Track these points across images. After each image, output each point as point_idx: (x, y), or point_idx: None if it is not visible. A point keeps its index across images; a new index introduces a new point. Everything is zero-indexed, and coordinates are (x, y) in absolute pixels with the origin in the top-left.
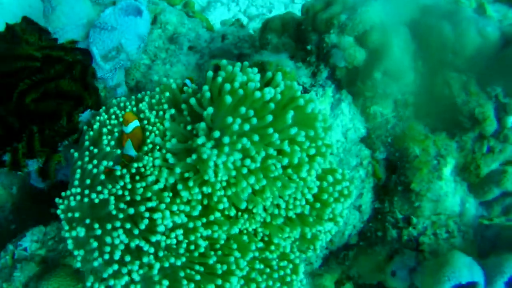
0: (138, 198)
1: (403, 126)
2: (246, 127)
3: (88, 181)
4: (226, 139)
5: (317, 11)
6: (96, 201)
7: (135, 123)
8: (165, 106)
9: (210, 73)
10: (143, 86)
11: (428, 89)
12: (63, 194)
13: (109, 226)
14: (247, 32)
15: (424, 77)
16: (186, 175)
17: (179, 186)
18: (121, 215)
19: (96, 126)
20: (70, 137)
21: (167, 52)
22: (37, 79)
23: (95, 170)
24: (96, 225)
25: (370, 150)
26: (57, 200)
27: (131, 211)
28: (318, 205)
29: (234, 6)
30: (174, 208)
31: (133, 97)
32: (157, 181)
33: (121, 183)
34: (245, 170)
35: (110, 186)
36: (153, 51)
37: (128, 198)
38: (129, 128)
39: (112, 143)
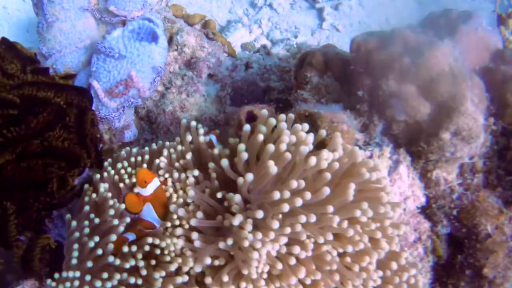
0: None
1: (472, 196)
2: (299, 202)
3: (89, 264)
4: (275, 224)
5: (371, 49)
6: None
7: (155, 183)
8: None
9: (247, 127)
10: (154, 117)
11: (502, 153)
12: (56, 276)
13: None
14: (274, 62)
15: (498, 137)
16: (217, 262)
17: (208, 280)
18: None
19: (101, 189)
20: (62, 207)
21: (183, 79)
22: (11, 134)
23: (99, 251)
24: None
25: (430, 223)
26: (48, 283)
27: None
28: None
29: (256, 28)
30: None
31: (147, 148)
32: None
33: (132, 263)
34: (293, 261)
35: (119, 277)
36: (168, 76)
37: None
38: (148, 190)
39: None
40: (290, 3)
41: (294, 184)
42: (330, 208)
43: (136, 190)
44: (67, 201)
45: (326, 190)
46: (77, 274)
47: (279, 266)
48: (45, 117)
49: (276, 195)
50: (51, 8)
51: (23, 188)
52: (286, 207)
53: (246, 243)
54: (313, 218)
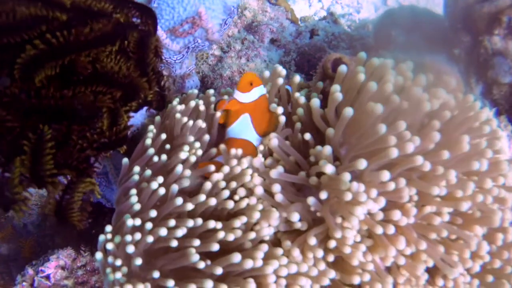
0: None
1: None
2: (410, 148)
3: (153, 213)
4: (385, 175)
5: (472, 1)
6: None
7: (261, 90)
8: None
9: (343, 68)
10: (210, 82)
11: None
12: (108, 229)
13: None
14: (342, 29)
15: None
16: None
17: (287, 243)
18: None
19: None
20: (113, 149)
21: (243, 43)
22: (56, 41)
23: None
24: None
25: None
26: (101, 238)
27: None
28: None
29: (316, 2)
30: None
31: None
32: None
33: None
34: (392, 230)
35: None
36: (226, 40)
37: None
38: (251, 96)
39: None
40: None
41: (402, 124)
42: (445, 154)
43: (235, 95)
44: (118, 142)
45: (436, 136)
46: (137, 222)
47: (379, 230)
48: (100, 27)
49: (382, 128)
50: None
51: (65, 118)
52: (395, 152)
53: (348, 196)
54: (427, 167)
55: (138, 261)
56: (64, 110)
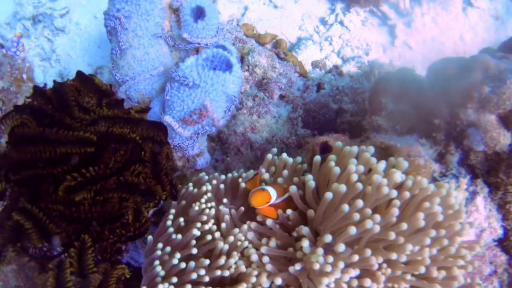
0: None
1: None
2: (369, 224)
3: (174, 279)
4: (341, 247)
5: (449, 77)
6: None
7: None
8: None
9: (318, 158)
10: (225, 138)
11: None
12: None
13: None
14: (346, 83)
15: None
16: None
17: None
18: None
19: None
20: (137, 239)
21: (254, 100)
22: (90, 174)
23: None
24: None
25: (507, 256)
26: None
27: None
28: None
29: (327, 45)
30: None
31: (230, 175)
32: None
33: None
34: None
35: None
36: (239, 97)
37: None
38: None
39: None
40: (361, 20)
41: (368, 211)
42: (404, 226)
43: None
44: (142, 233)
45: (395, 211)
46: (168, 286)
47: None
48: (122, 155)
49: (345, 208)
50: (124, 35)
51: (99, 221)
52: (353, 230)
53: (316, 266)
54: (391, 236)
55: None
56: (98, 214)
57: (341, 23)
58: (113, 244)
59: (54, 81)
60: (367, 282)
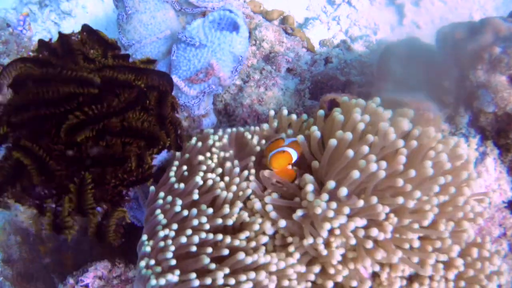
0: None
1: None
2: (373, 167)
3: (175, 226)
4: (343, 191)
5: (459, 39)
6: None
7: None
8: None
9: (321, 112)
10: (232, 110)
11: None
12: (144, 238)
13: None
14: (355, 57)
15: None
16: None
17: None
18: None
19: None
20: (140, 184)
21: (261, 73)
22: (92, 112)
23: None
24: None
25: None
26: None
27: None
28: (463, 283)
29: (334, 25)
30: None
31: (235, 129)
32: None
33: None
34: (370, 245)
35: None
36: (246, 70)
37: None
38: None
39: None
40: None
41: (372, 158)
42: (412, 173)
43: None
44: (144, 178)
45: (402, 159)
46: (168, 232)
47: (352, 241)
48: (126, 97)
49: (350, 153)
50: (131, 0)
51: (101, 163)
52: (356, 174)
53: (318, 211)
54: (399, 183)
55: (173, 262)
56: (100, 156)
57: (349, 2)
58: (114, 187)
59: (59, 33)
60: (374, 231)
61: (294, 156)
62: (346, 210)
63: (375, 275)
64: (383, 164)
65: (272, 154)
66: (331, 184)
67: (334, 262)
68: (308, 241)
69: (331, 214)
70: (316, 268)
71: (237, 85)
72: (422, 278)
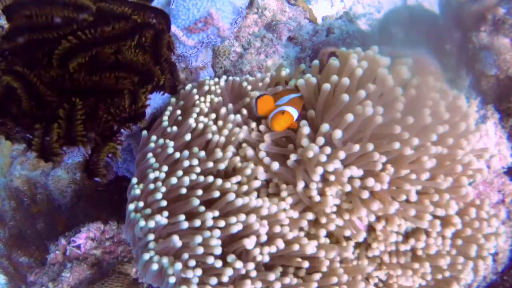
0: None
1: None
2: (369, 110)
3: (165, 168)
4: (338, 134)
5: (462, 1)
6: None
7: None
8: None
9: (316, 62)
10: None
11: None
12: (134, 181)
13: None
14: (357, 28)
15: None
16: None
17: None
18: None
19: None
20: (133, 124)
21: (262, 40)
22: (85, 37)
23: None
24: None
25: None
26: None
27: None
28: (460, 242)
29: (338, 2)
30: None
31: (231, 78)
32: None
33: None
34: (366, 195)
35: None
36: (247, 38)
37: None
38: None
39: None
40: None
41: (362, 93)
42: (410, 120)
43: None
44: (138, 115)
45: (400, 106)
46: (159, 174)
47: (347, 188)
48: (120, 27)
49: (345, 97)
50: None
51: (93, 95)
52: (350, 117)
53: (310, 154)
54: (397, 130)
55: (163, 203)
56: (92, 90)
57: None
58: (106, 122)
59: None
60: (370, 181)
61: (295, 115)
62: (341, 154)
63: (370, 230)
64: (380, 109)
65: (273, 115)
66: (325, 127)
67: (328, 210)
68: (300, 185)
69: (323, 158)
70: (309, 215)
71: (237, 52)
72: (418, 234)
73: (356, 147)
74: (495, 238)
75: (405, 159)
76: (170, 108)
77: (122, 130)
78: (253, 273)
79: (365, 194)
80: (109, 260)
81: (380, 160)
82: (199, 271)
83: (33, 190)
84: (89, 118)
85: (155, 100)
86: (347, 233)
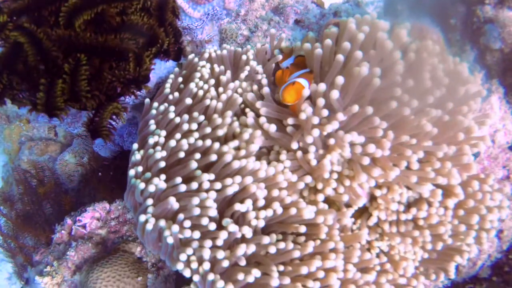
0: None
1: None
2: (364, 71)
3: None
4: (335, 94)
5: None
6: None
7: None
8: None
9: (311, 34)
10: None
11: None
12: (135, 146)
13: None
14: (364, 11)
15: None
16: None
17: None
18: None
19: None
20: (137, 87)
21: (269, 23)
22: None
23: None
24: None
25: None
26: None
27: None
28: (462, 212)
29: None
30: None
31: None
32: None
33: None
34: (367, 161)
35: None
36: (254, 21)
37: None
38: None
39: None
40: None
41: (358, 54)
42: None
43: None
44: (142, 78)
45: (399, 69)
46: (158, 138)
47: (347, 151)
48: None
49: (340, 57)
50: None
51: (98, 56)
52: (340, 79)
53: (303, 116)
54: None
55: (162, 164)
56: (98, 49)
57: None
58: (110, 83)
59: None
60: (371, 147)
61: (306, 85)
62: (339, 116)
63: (372, 200)
64: (377, 70)
65: (284, 87)
66: (322, 86)
67: (326, 175)
68: (294, 145)
69: (316, 120)
70: (308, 178)
71: (244, 35)
72: (420, 204)
73: (355, 108)
74: (498, 211)
75: (405, 124)
76: (172, 76)
77: (126, 96)
78: (249, 237)
79: (366, 161)
80: (114, 240)
81: (381, 126)
82: (197, 233)
83: (41, 173)
84: (93, 78)
85: (160, 69)
86: (346, 199)
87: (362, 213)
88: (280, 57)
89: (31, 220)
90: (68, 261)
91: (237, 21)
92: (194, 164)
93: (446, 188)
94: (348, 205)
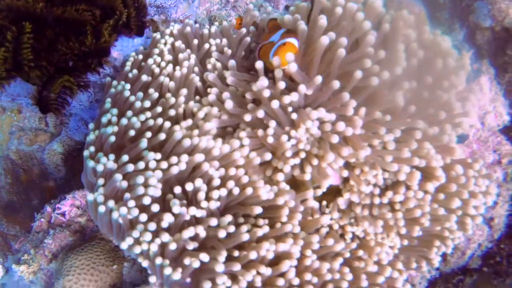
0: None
1: None
2: (342, 53)
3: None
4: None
5: None
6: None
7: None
8: None
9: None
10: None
11: None
12: (91, 126)
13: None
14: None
15: None
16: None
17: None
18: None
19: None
20: (97, 61)
21: (259, 10)
22: None
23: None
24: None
25: None
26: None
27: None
28: (442, 196)
29: None
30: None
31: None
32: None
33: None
34: (336, 139)
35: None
36: (244, 8)
37: None
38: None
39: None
40: None
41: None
42: (382, 54)
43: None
44: (98, 52)
45: (371, 39)
46: (111, 117)
47: (314, 128)
48: None
49: (302, 25)
50: None
51: (52, 26)
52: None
53: (266, 93)
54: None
55: (112, 138)
56: (50, 20)
57: None
58: (63, 55)
59: None
60: (341, 125)
61: (296, 43)
62: (302, 88)
63: (345, 181)
64: (343, 40)
65: (274, 50)
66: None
67: (288, 153)
68: (247, 118)
69: (267, 93)
70: (267, 155)
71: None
72: (398, 187)
73: (318, 79)
74: (483, 197)
75: (378, 99)
76: (133, 54)
77: (88, 73)
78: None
79: (335, 139)
80: (93, 228)
81: (351, 103)
82: (144, 216)
83: (27, 163)
84: (45, 50)
85: (127, 46)
86: (308, 178)
87: (336, 196)
88: (244, 30)
89: (16, 210)
90: (45, 249)
91: (227, 8)
92: (144, 143)
93: (426, 171)
94: (317, 187)
